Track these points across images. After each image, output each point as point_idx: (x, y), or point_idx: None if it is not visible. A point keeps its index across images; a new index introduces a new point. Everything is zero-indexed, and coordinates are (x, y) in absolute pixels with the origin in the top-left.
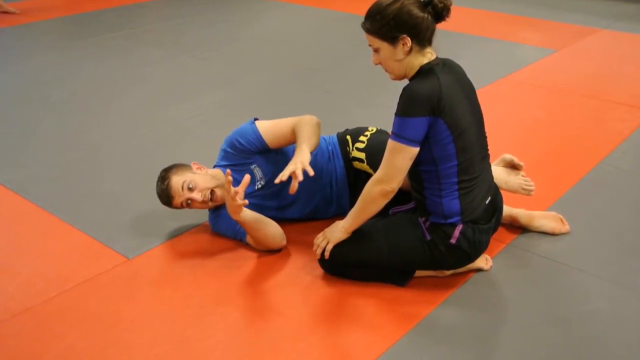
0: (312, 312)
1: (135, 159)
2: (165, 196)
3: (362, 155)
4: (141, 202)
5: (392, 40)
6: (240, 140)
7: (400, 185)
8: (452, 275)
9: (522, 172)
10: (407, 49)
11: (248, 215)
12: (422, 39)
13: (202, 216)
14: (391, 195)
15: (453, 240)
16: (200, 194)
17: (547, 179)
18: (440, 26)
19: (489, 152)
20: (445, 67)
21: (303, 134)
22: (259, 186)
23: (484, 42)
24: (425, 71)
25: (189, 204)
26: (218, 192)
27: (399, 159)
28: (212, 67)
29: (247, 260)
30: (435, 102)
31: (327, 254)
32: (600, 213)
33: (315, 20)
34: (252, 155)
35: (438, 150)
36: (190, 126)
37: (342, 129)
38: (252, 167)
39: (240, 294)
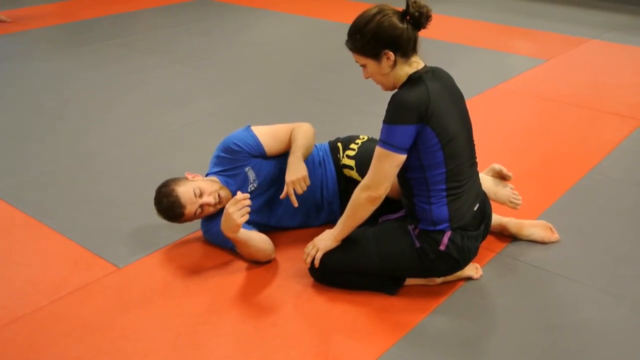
0: (304, 321)
1: (128, 167)
2: (176, 208)
3: (352, 163)
4: (133, 211)
5: (376, 56)
6: (239, 144)
7: (387, 191)
8: (442, 283)
9: (510, 185)
10: (391, 62)
11: (242, 234)
12: (405, 50)
13: (193, 225)
14: (379, 202)
15: (442, 247)
16: (211, 196)
17: (537, 188)
18: (432, 35)
19: (478, 160)
20: (434, 76)
21: (299, 142)
22: (252, 188)
23: (475, 52)
24: (413, 80)
25: (201, 211)
26: (222, 193)
27: (386, 166)
28: (205, 75)
29: (239, 269)
30: (423, 110)
31: (317, 262)
32: (590, 222)
33: (308, 29)
34: (247, 159)
35: (426, 158)
36: (183, 134)
37: (334, 137)
38: (246, 169)
39: (232, 302)
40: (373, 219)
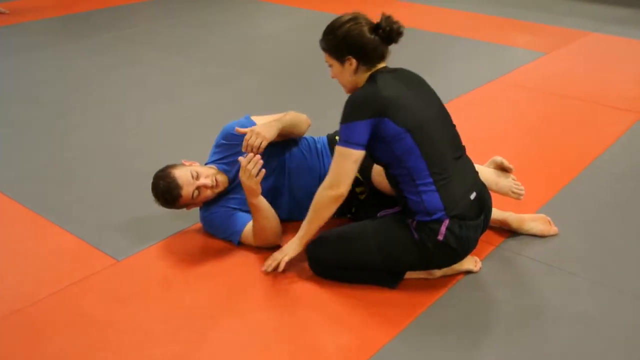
0: (302, 315)
1: (126, 160)
2: (173, 189)
3: None
4: (131, 204)
5: (340, 59)
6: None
7: (349, 189)
8: (442, 277)
9: (512, 176)
10: (353, 68)
11: (263, 200)
12: (369, 60)
13: (191, 218)
14: (341, 200)
15: (440, 237)
16: (208, 178)
17: (536, 181)
18: (431, 28)
19: (478, 153)
20: (389, 73)
21: (286, 117)
22: None
23: (475, 45)
24: (367, 80)
25: (199, 193)
26: (219, 177)
27: (346, 164)
28: (203, 68)
29: (237, 263)
30: (376, 104)
31: (281, 267)
32: (590, 215)
33: (306, 22)
34: None
35: (398, 147)
36: (181, 127)
37: (332, 131)
38: (244, 155)
39: (231, 296)
40: (372, 215)
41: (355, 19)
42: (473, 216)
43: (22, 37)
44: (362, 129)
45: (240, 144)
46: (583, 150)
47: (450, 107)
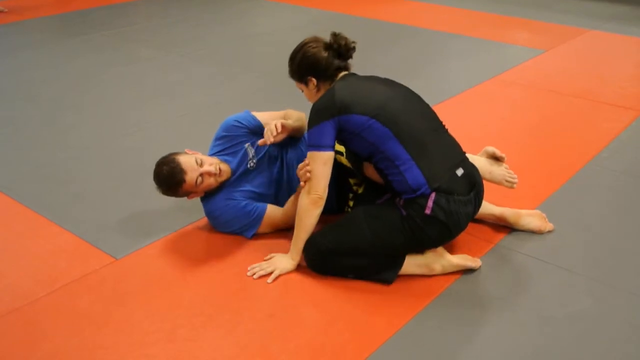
0: (301, 313)
1: (124, 158)
2: (177, 173)
3: (342, 149)
4: (130, 202)
5: (304, 81)
6: (240, 121)
7: (326, 192)
8: (441, 274)
9: (505, 165)
10: (313, 86)
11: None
12: (326, 75)
13: (191, 216)
14: (321, 203)
15: (427, 211)
16: (212, 166)
17: (535, 179)
18: (430, 26)
19: (476, 149)
20: (348, 76)
21: (294, 116)
22: (251, 165)
23: (474, 43)
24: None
25: (202, 181)
26: (222, 166)
27: (318, 166)
28: (202, 66)
29: (236, 261)
30: (333, 105)
31: (271, 279)
32: (588, 213)
33: (306, 20)
34: (246, 135)
35: (369, 134)
36: (179, 125)
37: None
38: (246, 145)
39: (230, 294)
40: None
41: (309, 42)
42: (462, 192)
43: (20, 35)
44: (325, 130)
45: (241, 136)
46: (582, 147)
47: (449, 105)
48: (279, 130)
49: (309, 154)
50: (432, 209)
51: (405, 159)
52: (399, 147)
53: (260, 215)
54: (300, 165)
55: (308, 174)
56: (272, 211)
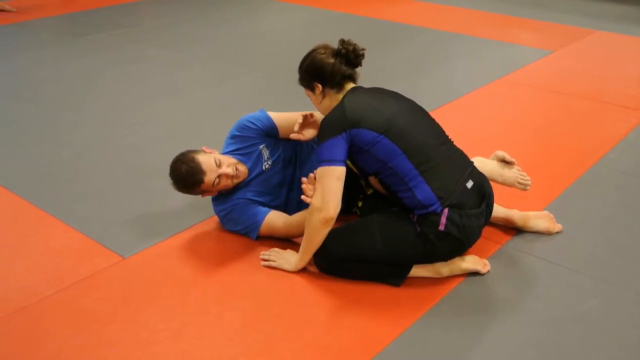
0: (307, 312)
1: (130, 157)
2: (197, 174)
3: None
4: (137, 200)
5: (310, 87)
6: (254, 122)
7: (337, 210)
8: (448, 277)
9: (517, 167)
10: (318, 92)
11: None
12: (332, 83)
13: (199, 215)
14: (332, 222)
15: (441, 227)
16: (230, 167)
17: (542, 180)
18: (438, 26)
19: (483, 152)
20: (358, 90)
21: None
22: (266, 166)
23: (480, 43)
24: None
25: (219, 182)
26: (240, 167)
27: (329, 182)
28: (206, 65)
29: (243, 260)
30: (344, 120)
31: (266, 265)
32: (596, 214)
33: (311, 19)
34: (261, 137)
35: (378, 151)
36: (184, 124)
37: None
38: (261, 147)
39: (236, 293)
40: (378, 209)
41: (317, 48)
42: (473, 205)
43: (27, 34)
44: (338, 144)
45: (254, 137)
46: (589, 148)
47: (456, 105)
48: (310, 119)
49: (320, 169)
50: (446, 226)
51: (414, 174)
52: (407, 163)
53: (259, 221)
54: (306, 180)
55: (310, 192)
56: (273, 218)
